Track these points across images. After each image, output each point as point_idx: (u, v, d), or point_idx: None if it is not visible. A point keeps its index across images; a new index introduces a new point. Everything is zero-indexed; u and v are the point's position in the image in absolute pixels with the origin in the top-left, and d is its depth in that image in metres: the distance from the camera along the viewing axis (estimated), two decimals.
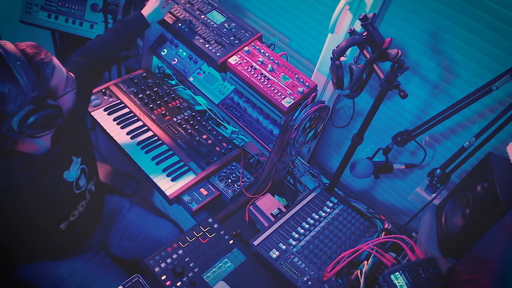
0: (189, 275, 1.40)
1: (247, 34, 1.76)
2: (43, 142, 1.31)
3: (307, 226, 1.60)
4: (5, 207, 1.27)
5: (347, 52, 1.72)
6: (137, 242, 1.74)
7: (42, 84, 1.15)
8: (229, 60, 1.68)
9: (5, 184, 1.24)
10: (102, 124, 1.89)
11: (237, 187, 1.75)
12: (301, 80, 1.62)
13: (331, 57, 1.47)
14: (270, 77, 1.63)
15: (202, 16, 1.85)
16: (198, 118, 1.99)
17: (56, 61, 1.22)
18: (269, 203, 1.72)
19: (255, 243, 1.52)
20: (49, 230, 1.46)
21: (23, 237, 1.40)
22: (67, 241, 1.53)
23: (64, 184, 1.40)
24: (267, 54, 1.69)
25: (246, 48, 1.72)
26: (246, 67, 1.65)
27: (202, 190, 1.73)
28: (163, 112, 1.98)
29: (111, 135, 1.86)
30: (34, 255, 1.53)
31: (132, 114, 1.96)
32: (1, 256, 1.42)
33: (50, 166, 1.34)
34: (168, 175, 1.74)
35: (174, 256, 1.44)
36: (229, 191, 1.74)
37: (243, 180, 1.78)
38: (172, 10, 1.86)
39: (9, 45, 1.12)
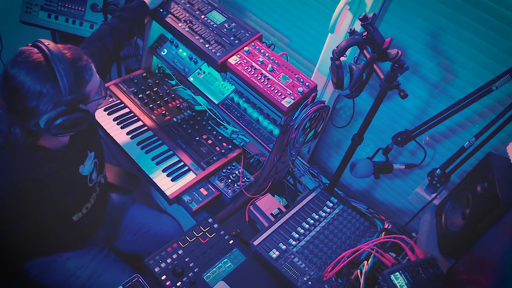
0: (189, 275, 1.40)
1: (247, 34, 1.76)
2: (63, 138, 1.34)
3: (307, 226, 1.60)
4: (26, 199, 1.29)
5: (347, 52, 1.72)
6: (139, 237, 1.76)
7: (79, 89, 1.18)
8: (229, 60, 1.68)
9: (27, 176, 1.26)
10: (102, 124, 1.89)
11: (237, 187, 1.75)
12: (301, 80, 1.62)
13: (331, 57, 1.47)
14: (270, 77, 1.63)
15: (202, 16, 1.85)
16: (198, 118, 1.99)
17: (93, 67, 1.25)
18: (269, 203, 1.72)
19: (255, 243, 1.52)
20: (63, 222, 1.48)
21: (37, 230, 1.42)
22: (76, 233, 1.55)
23: (80, 177, 1.43)
24: (267, 54, 1.69)
25: (246, 48, 1.72)
26: (246, 67, 1.65)
27: (202, 190, 1.73)
28: (163, 112, 1.98)
29: (111, 135, 1.86)
30: (44, 248, 1.54)
31: (132, 114, 1.96)
32: (12, 250, 1.43)
33: (68, 161, 1.37)
34: (168, 175, 1.74)
35: (174, 256, 1.44)
36: (229, 191, 1.74)
37: (243, 180, 1.78)
38: (172, 10, 1.86)
39: (53, 47, 1.15)
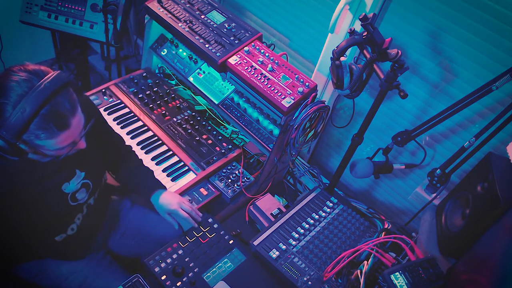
0: (189, 275, 1.40)
1: (247, 34, 1.76)
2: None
3: (307, 226, 1.60)
4: (4, 206, 1.27)
5: (347, 52, 1.72)
6: (138, 240, 1.74)
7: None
8: (229, 60, 1.68)
9: (4, 183, 1.24)
10: None
11: (237, 187, 1.75)
12: (301, 80, 1.62)
13: (331, 57, 1.46)
14: (270, 77, 1.63)
15: (202, 16, 1.85)
16: (198, 118, 1.99)
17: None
18: (269, 203, 1.72)
19: (255, 243, 1.52)
20: (43, 239, 1.43)
21: (23, 237, 1.40)
22: (64, 251, 1.52)
23: (59, 194, 1.37)
24: (267, 54, 1.69)
25: (246, 48, 1.72)
26: (246, 67, 1.65)
27: (202, 190, 1.73)
28: (163, 112, 1.98)
29: None
30: (36, 252, 1.52)
31: (132, 114, 1.96)
32: (2, 253, 1.42)
33: (50, 175, 1.32)
34: (168, 175, 1.74)
35: (174, 256, 1.44)
36: (229, 191, 1.74)
37: (243, 180, 1.78)
38: (172, 10, 1.86)
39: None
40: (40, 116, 1.07)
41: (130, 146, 1.74)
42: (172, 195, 1.58)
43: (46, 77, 1.09)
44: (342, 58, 1.46)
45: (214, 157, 1.83)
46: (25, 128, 1.07)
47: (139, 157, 1.73)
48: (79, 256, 1.59)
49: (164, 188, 1.61)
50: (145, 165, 1.69)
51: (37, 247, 1.48)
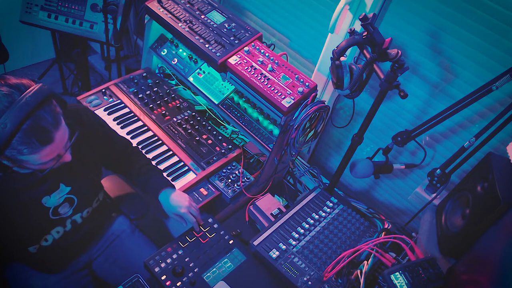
0: (189, 275, 1.40)
1: (247, 34, 1.76)
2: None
3: (307, 226, 1.60)
4: None
5: (347, 52, 1.72)
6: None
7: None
8: (229, 60, 1.68)
9: None
10: None
11: (237, 187, 1.75)
12: (301, 80, 1.62)
13: (331, 57, 1.47)
14: (270, 77, 1.63)
15: (202, 16, 1.85)
16: (198, 118, 1.99)
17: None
18: (269, 203, 1.72)
19: (255, 243, 1.52)
20: (16, 247, 1.40)
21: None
22: (37, 259, 1.46)
23: (39, 206, 1.34)
24: (267, 54, 1.69)
25: (246, 48, 1.72)
26: (246, 67, 1.65)
27: (202, 190, 1.73)
28: (163, 112, 1.98)
29: None
30: (9, 257, 1.48)
31: (132, 114, 1.96)
32: None
33: (28, 187, 1.29)
34: (168, 175, 1.74)
35: (174, 256, 1.44)
36: (229, 191, 1.74)
37: (243, 180, 1.78)
38: (172, 10, 1.86)
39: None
40: (21, 131, 1.05)
41: (136, 148, 1.70)
42: (182, 196, 1.54)
43: (27, 91, 1.07)
44: (342, 58, 1.46)
45: (214, 157, 1.83)
46: (6, 144, 1.05)
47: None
48: (52, 270, 1.53)
49: (173, 187, 1.58)
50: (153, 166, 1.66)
51: (11, 252, 1.43)
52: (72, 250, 1.56)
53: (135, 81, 2.08)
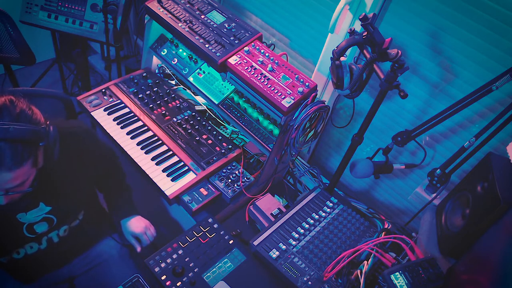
0: (189, 275, 1.40)
1: (247, 34, 1.76)
2: None
3: (307, 226, 1.60)
4: None
5: (347, 52, 1.72)
6: None
7: None
8: (229, 60, 1.68)
9: None
10: (102, 124, 1.89)
11: (237, 187, 1.75)
12: (301, 80, 1.62)
13: (331, 57, 1.47)
14: (270, 77, 1.63)
15: (202, 16, 1.85)
16: (198, 118, 1.99)
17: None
18: (269, 203, 1.72)
19: (255, 243, 1.52)
20: None
21: None
22: (14, 269, 1.46)
23: (13, 221, 1.32)
24: (267, 54, 1.69)
25: (246, 48, 1.72)
26: (246, 67, 1.65)
27: (202, 190, 1.73)
28: (163, 112, 1.98)
29: (111, 135, 1.85)
30: None
31: (132, 114, 1.96)
32: None
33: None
34: (168, 175, 1.74)
35: (174, 256, 1.44)
36: (229, 191, 1.74)
37: (243, 180, 1.78)
38: (172, 10, 1.86)
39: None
40: None
41: (118, 159, 1.71)
42: (140, 221, 1.61)
43: (18, 123, 1.06)
44: (342, 58, 1.46)
45: (214, 157, 1.83)
46: None
47: (124, 171, 1.74)
48: (25, 280, 1.52)
49: (137, 213, 1.65)
50: (127, 182, 1.72)
51: None
52: (47, 264, 1.54)
53: (135, 81, 2.08)
